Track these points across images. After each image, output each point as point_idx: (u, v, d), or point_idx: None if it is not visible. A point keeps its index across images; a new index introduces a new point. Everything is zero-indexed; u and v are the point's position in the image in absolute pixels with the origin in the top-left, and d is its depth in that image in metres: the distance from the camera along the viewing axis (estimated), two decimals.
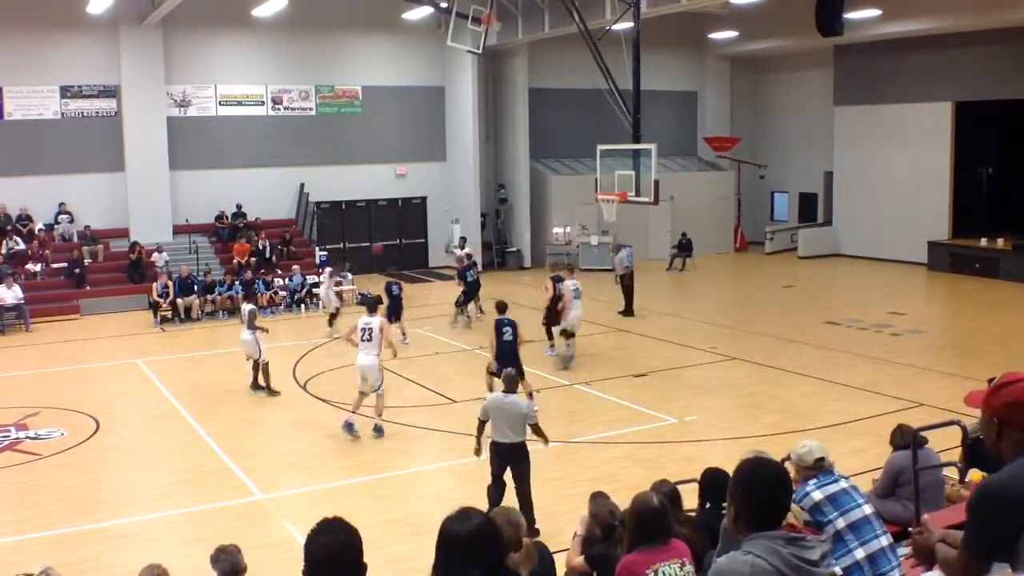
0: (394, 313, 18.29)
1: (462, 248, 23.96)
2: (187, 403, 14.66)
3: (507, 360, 12.88)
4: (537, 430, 9.69)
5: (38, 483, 11.31)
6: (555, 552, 6.08)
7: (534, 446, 9.79)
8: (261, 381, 15.14)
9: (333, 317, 19.98)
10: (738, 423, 13.25)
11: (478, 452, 9.78)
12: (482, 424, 9.61)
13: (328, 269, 22.13)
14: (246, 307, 15.77)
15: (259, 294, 22.28)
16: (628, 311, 21.06)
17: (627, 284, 21.17)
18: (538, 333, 18.03)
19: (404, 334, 18.55)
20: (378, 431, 12.70)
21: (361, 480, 11.24)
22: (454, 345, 18.72)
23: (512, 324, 13.42)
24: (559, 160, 30.60)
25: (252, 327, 15.00)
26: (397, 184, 29.01)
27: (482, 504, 9.07)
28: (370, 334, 12.61)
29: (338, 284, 21.27)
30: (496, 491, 9.41)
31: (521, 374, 13.05)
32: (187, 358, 18.33)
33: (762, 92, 34.42)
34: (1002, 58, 25.30)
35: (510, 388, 9.63)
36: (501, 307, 14.01)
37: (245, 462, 11.85)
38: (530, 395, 13.05)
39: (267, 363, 15.06)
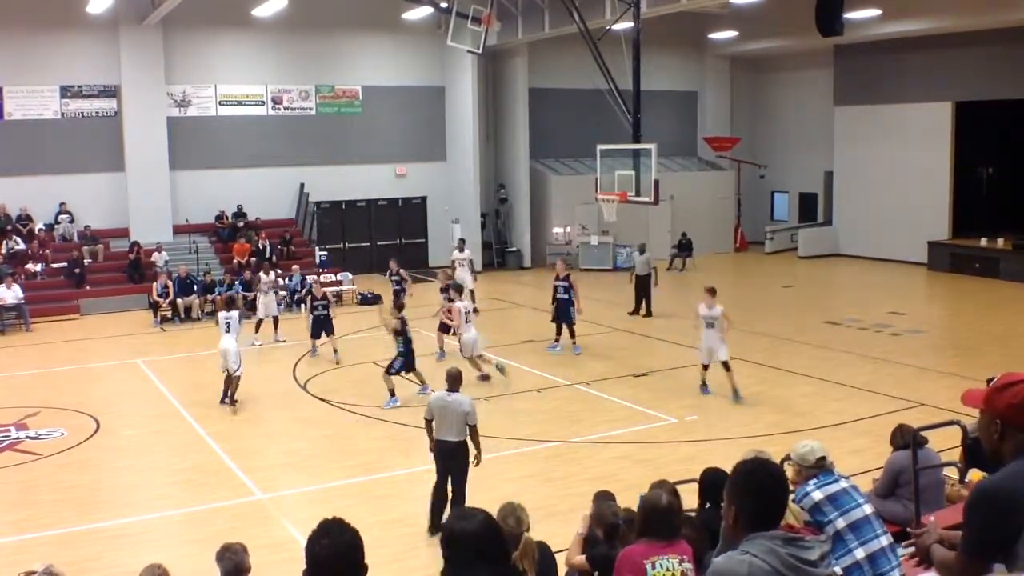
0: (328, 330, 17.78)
1: (461, 250, 22.74)
2: (187, 403, 14.65)
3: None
4: (474, 435, 9.41)
5: (38, 483, 11.31)
6: (555, 552, 6.08)
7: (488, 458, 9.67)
8: (231, 394, 14.39)
9: (275, 322, 19.50)
10: (738, 423, 13.24)
11: (433, 450, 9.61)
12: (429, 423, 9.55)
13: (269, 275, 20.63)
14: (233, 313, 14.70)
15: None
16: (647, 311, 21.03)
17: (647, 284, 21.20)
18: (546, 332, 18.06)
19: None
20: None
21: (361, 480, 11.23)
22: (454, 345, 18.67)
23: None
24: (559, 160, 30.60)
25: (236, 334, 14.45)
26: (397, 184, 29.01)
27: (479, 503, 9.07)
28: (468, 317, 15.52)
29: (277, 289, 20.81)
30: (438, 498, 9.39)
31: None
32: (187, 358, 18.31)
33: (762, 92, 34.42)
34: (1002, 58, 25.30)
35: (453, 386, 9.51)
36: None
37: (245, 462, 11.85)
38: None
39: (240, 376, 14.41)
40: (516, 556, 5.23)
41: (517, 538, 5.45)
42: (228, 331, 14.37)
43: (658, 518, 4.99)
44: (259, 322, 19.58)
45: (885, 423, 10.13)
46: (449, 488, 9.39)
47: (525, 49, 28.88)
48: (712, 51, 32.76)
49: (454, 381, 9.57)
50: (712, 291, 14.59)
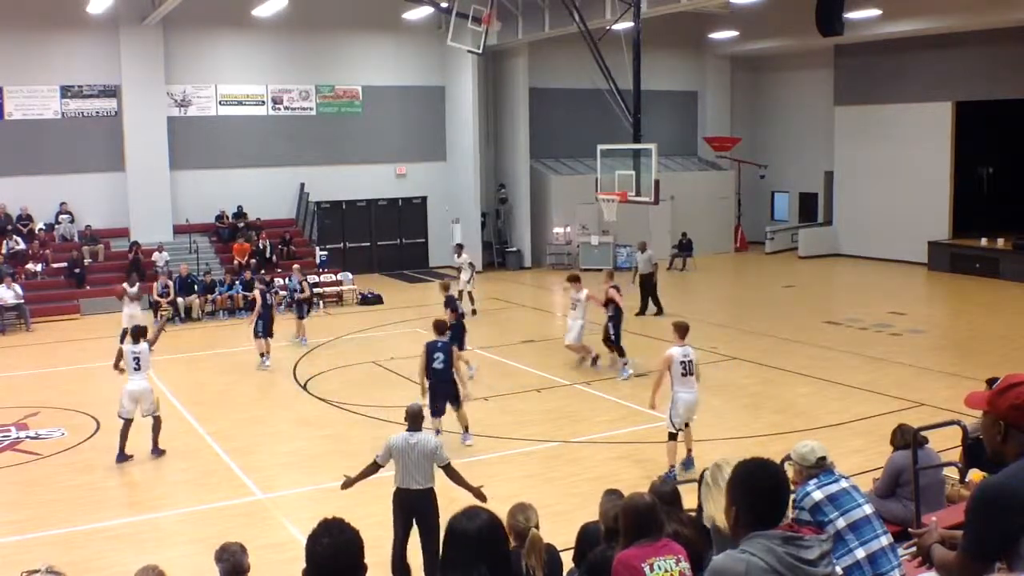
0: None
1: (459, 255, 21.95)
2: (187, 403, 14.64)
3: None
4: (452, 474, 8.17)
5: (38, 483, 11.30)
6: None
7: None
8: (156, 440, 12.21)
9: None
10: (738, 423, 13.23)
11: (347, 485, 8.48)
12: (375, 467, 8.33)
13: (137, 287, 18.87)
14: (142, 346, 12.07)
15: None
16: (658, 310, 20.93)
17: (653, 283, 21.17)
18: (546, 331, 18.02)
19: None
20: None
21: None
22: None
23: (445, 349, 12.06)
24: (559, 160, 30.61)
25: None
26: (397, 184, 29.02)
27: (475, 501, 9.05)
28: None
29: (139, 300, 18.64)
30: (400, 563, 8.08)
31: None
32: (187, 358, 18.32)
33: (762, 92, 34.43)
34: (1002, 58, 25.31)
35: (415, 425, 8.31)
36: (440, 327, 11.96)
37: (245, 462, 11.85)
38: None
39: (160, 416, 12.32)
40: (524, 552, 5.22)
41: (524, 533, 5.44)
42: (138, 368, 11.94)
43: (644, 519, 4.98)
44: (123, 332, 16.79)
45: (885, 423, 10.13)
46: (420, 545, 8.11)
47: (525, 49, 28.89)
48: (712, 51, 32.77)
49: (415, 419, 8.37)
50: (684, 328, 11.56)
